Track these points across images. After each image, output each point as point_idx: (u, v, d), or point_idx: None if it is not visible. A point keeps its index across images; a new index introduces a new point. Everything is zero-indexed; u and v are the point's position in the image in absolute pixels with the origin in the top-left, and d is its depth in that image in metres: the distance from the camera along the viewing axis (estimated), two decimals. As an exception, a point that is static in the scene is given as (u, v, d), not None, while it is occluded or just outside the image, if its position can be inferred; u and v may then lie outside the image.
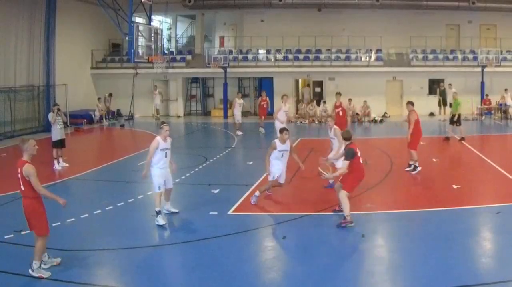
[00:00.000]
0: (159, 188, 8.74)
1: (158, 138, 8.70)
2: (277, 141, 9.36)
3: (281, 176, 9.55)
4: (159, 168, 8.68)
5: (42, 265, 6.50)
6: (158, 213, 8.64)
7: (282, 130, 9.40)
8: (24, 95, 21.35)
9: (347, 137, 8.64)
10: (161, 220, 8.56)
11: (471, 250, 7.14)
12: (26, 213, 6.41)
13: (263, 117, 21.34)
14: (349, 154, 8.28)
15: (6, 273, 6.45)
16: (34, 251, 6.42)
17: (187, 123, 26.10)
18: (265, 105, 21.78)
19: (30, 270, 6.37)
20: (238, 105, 20.81)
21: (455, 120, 17.78)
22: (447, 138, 17.84)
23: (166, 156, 8.77)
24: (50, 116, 13.43)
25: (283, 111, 17.63)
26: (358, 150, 8.43)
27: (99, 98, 26.00)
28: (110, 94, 26.74)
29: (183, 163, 14.08)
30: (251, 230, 8.26)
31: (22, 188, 6.39)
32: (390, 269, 6.66)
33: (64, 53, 23.84)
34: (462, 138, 17.40)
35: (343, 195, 8.24)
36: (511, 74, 25.33)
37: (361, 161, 8.43)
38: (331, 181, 10.36)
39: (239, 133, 20.19)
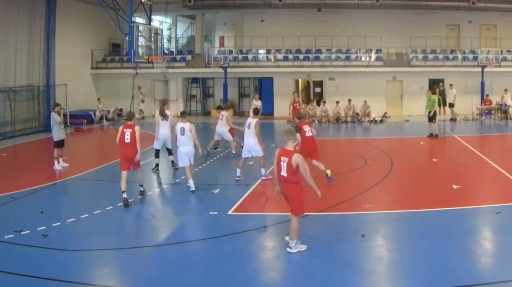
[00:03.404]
0: None
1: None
2: None
3: None
4: None
5: (288, 249, 6.93)
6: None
7: None
8: (24, 95, 21.30)
9: (298, 117, 10.73)
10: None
11: (471, 250, 7.14)
12: (287, 195, 6.94)
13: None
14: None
15: (6, 273, 6.45)
16: (290, 230, 6.94)
17: (187, 124, 26.03)
18: (297, 107, 21.52)
19: (288, 248, 6.95)
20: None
21: (431, 116, 18.29)
22: (431, 135, 18.14)
23: None
24: (55, 117, 13.31)
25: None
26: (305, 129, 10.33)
27: (99, 99, 25.98)
28: (121, 109, 26.82)
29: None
30: (251, 230, 8.25)
31: (285, 174, 6.81)
32: (390, 269, 6.65)
33: (64, 53, 23.80)
34: (436, 135, 18.02)
35: None
36: (511, 74, 25.30)
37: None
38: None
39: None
